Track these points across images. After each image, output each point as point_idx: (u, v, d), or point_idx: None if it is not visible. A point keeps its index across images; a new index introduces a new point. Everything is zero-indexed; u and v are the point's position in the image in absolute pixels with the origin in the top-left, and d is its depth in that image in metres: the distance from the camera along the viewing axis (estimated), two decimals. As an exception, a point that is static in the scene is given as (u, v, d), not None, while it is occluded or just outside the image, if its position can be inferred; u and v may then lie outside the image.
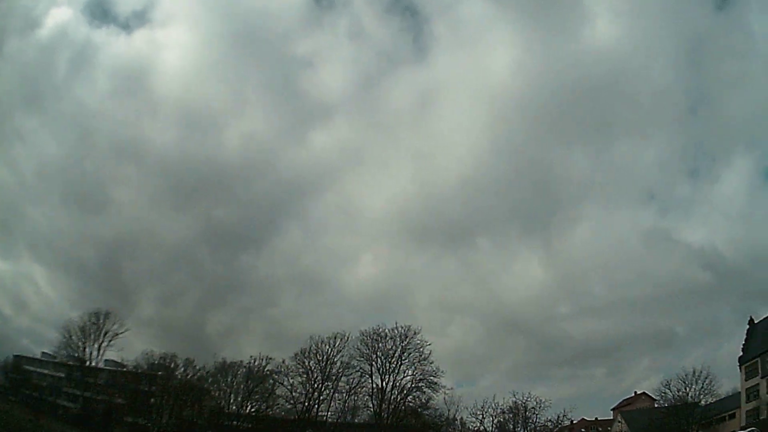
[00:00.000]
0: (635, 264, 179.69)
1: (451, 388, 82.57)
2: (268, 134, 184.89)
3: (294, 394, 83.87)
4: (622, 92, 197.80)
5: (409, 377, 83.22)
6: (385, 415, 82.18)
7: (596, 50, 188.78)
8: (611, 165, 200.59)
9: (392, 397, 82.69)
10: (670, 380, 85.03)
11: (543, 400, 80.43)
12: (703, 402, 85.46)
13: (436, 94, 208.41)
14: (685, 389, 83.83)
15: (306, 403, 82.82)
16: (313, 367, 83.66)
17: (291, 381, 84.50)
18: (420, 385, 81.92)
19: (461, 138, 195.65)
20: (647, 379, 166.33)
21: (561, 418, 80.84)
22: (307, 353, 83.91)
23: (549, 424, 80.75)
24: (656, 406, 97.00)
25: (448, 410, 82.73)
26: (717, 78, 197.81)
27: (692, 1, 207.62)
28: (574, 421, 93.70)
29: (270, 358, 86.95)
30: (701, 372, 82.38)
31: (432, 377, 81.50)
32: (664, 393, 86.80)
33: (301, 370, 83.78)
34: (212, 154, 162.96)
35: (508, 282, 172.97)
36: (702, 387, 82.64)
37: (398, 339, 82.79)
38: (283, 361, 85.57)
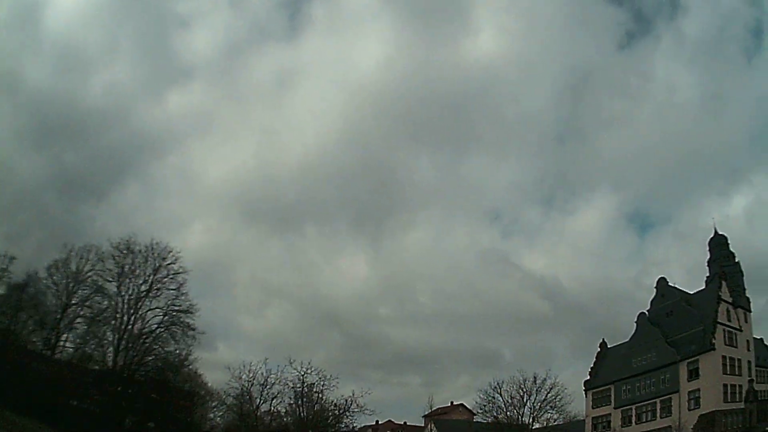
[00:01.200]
0: (468, 280, 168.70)
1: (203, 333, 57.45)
2: (131, 87, 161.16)
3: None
4: (489, 109, 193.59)
5: (159, 315, 56.23)
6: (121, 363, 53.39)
7: (473, 64, 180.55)
8: (460, 178, 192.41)
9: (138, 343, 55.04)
10: (501, 382, 65.23)
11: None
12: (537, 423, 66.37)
13: (298, 75, 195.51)
14: (521, 397, 63.44)
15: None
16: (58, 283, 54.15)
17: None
18: (172, 327, 55.49)
19: (312, 123, 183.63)
20: (465, 396, 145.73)
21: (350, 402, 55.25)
22: (58, 266, 54.69)
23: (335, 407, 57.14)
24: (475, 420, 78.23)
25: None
26: (596, 114, 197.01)
27: (595, 35, 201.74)
28: (380, 422, 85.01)
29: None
30: (545, 379, 63.32)
31: (184, 314, 55.97)
32: (486, 404, 66.34)
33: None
34: (76, 98, 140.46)
35: (332, 275, 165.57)
36: (546, 399, 63.24)
37: (152, 260, 56.87)
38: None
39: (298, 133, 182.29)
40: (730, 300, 69.52)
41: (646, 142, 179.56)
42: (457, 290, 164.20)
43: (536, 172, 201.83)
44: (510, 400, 64.53)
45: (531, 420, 64.06)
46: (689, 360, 66.00)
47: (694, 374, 65.05)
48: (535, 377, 63.11)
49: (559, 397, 62.91)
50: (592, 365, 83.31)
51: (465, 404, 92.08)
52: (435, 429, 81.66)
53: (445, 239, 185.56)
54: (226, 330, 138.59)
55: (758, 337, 79.40)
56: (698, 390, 63.84)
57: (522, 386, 63.89)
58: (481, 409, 67.25)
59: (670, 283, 75.92)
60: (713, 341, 63.90)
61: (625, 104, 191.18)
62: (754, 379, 66.04)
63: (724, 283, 69.75)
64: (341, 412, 56.21)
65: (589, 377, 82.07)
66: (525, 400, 63.89)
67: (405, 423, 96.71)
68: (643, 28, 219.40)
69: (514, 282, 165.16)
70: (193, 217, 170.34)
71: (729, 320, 68.02)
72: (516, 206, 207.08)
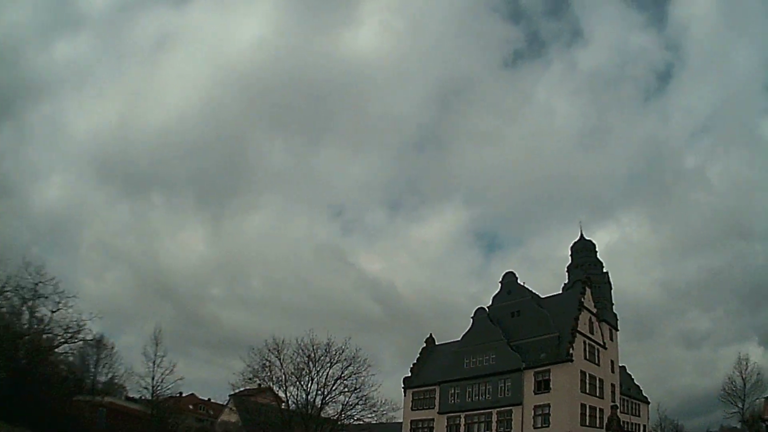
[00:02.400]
0: (302, 272, 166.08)
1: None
2: (26, 30, 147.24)
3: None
4: (353, 104, 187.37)
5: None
6: None
7: (347, 56, 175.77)
8: (311, 168, 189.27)
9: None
10: (282, 342, 52.77)
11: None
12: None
13: (177, 41, 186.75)
14: (309, 369, 52.06)
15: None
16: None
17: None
18: None
19: (177, 91, 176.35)
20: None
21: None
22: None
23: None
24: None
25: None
26: (464, 127, 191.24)
27: (480, 49, 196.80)
28: (183, 394, 78.93)
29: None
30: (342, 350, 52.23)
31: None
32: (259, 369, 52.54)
33: None
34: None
35: (172, 247, 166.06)
36: (342, 376, 51.82)
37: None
38: None
39: (163, 98, 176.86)
40: (594, 310, 63.34)
41: (511, 163, 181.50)
42: (291, 280, 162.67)
43: (389, 174, 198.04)
44: (294, 371, 52.20)
45: (321, 402, 52.13)
46: (538, 369, 58.23)
47: (543, 386, 57.40)
48: (328, 344, 51.82)
49: (360, 378, 51.96)
50: (415, 361, 73.00)
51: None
52: (234, 408, 69.99)
53: (285, 227, 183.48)
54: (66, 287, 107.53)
55: (621, 365, 77.46)
56: (548, 406, 56.32)
57: (310, 354, 51.97)
58: (252, 374, 52.38)
59: (519, 281, 67.68)
60: (571, 351, 56.48)
61: (496, 122, 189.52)
62: (618, 406, 60.68)
63: (588, 290, 63.20)
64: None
65: (410, 374, 71.53)
66: (313, 374, 51.94)
67: (209, 399, 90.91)
68: (535, 51, 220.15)
69: (348, 280, 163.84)
70: (54, 169, 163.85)
71: (591, 332, 61.73)
72: (361, 205, 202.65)
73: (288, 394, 52.72)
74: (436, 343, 75.46)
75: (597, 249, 73.81)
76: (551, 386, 56.72)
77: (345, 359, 51.67)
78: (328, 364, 51.85)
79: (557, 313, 60.64)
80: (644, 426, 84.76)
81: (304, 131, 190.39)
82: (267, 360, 51.98)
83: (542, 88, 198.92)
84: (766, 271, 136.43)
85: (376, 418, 53.78)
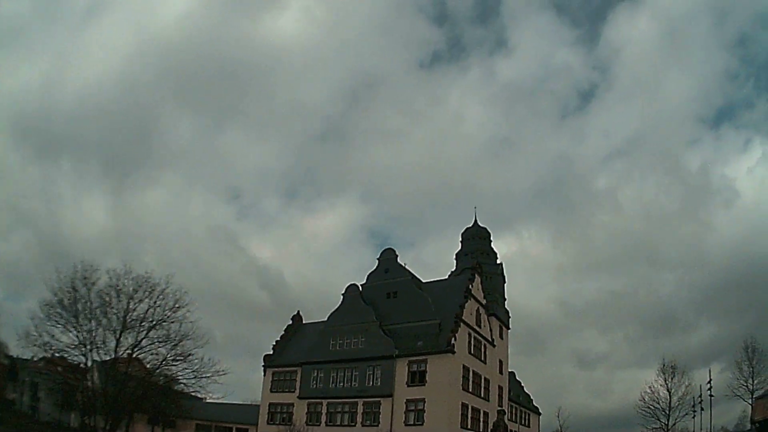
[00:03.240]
0: (193, 251, 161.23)
1: None
2: None
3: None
4: (264, 89, 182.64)
5: None
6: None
7: (266, 39, 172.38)
8: (214, 148, 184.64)
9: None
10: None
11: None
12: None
13: (108, 7, 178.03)
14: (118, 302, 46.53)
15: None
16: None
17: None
18: None
19: (99, 58, 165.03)
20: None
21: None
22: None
23: None
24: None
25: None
26: (371, 123, 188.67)
27: (399, 47, 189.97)
28: None
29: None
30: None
31: None
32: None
33: None
34: None
35: (74, 215, 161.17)
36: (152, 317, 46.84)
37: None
38: None
39: (86, 65, 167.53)
40: (483, 301, 56.94)
41: (413, 164, 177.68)
42: (182, 258, 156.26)
43: (288, 163, 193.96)
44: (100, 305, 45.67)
45: (134, 348, 46.28)
46: (413, 358, 51.34)
47: (418, 378, 50.65)
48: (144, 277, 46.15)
49: (173, 322, 46.40)
50: (278, 339, 64.02)
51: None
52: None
53: (182, 205, 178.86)
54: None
55: (511, 370, 74.10)
56: (423, 400, 49.66)
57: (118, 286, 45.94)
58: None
59: (400, 261, 59.80)
60: (453, 342, 49.89)
61: (403, 121, 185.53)
62: (506, 411, 54.91)
63: (478, 278, 56.61)
64: None
65: (272, 352, 62.58)
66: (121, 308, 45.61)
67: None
68: (454, 56, 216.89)
69: (238, 265, 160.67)
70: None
71: (479, 325, 55.47)
72: (258, 191, 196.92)
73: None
74: (304, 322, 66.87)
75: (492, 238, 68.30)
76: (427, 379, 50.12)
77: (158, 296, 45.77)
78: (138, 301, 45.76)
79: (440, 299, 54.15)
80: None
81: (213, 111, 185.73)
82: (74, 289, 45.22)
83: (456, 93, 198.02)
84: (673, 300, 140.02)
85: (199, 382, 48.34)
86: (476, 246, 65.85)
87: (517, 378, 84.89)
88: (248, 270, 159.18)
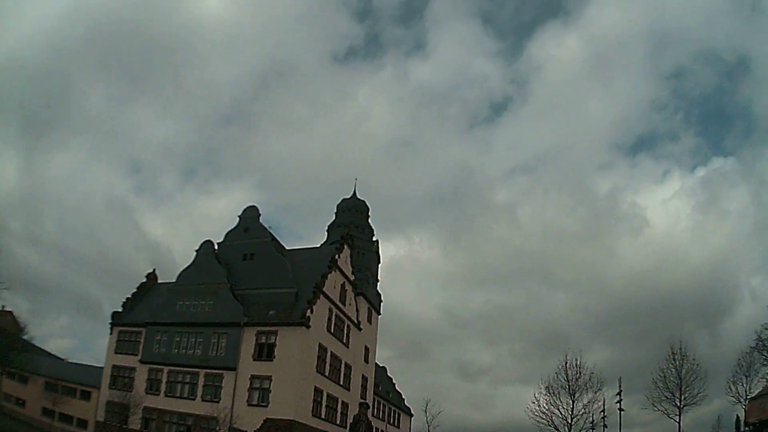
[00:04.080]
0: (90, 221, 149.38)
1: None
2: None
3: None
4: (180, 63, 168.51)
5: None
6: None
7: (192, 16, 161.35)
8: (120, 118, 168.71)
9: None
10: None
11: None
12: None
13: None
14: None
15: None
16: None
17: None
18: None
19: (31, 18, 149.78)
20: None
21: None
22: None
23: None
24: None
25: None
26: (277, 110, 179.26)
27: (315, 37, 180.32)
28: None
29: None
30: None
31: None
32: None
33: None
34: None
35: None
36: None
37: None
38: None
39: (18, 23, 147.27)
40: (351, 277, 51.12)
41: (312, 157, 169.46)
42: (78, 226, 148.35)
43: (190, 141, 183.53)
44: None
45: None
46: (263, 329, 45.37)
47: (266, 352, 44.81)
48: None
49: None
50: (129, 296, 56.56)
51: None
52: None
53: (85, 172, 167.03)
54: None
55: (383, 365, 70.81)
56: (269, 378, 43.69)
57: None
58: None
59: (263, 222, 53.33)
60: (309, 315, 44.07)
61: (308, 113, 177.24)
62: (370, 406, 49.58)
63: (348, 250, 50.69)
64: None
65: (121, 310, 55.20)
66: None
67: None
68: (370, 53, 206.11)
69: (131, 240, 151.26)
70: None
71: (343, 302, 49.71)
72: (158, 167, 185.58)
73: None
74: (158, 281, 59.58)
75: (370, 214, 62.91)
76: (276, 353, 44.33)
77: None
78: None
79: (302, 268, 48.42)
80: None
81: (127, 82, 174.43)
82: None
83: (365, 90, 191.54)
84: (564, 320, 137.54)
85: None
86: (351, 219, 60.29)
87: (389, 374, 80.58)
88: (140, 245, 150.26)
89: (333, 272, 47.13)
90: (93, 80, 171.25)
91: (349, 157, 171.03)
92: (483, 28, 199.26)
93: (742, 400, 50.90)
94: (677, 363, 49.53)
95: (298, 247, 54.40)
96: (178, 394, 47.35)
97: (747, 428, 48.23)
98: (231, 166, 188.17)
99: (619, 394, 49.97)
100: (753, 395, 48.99)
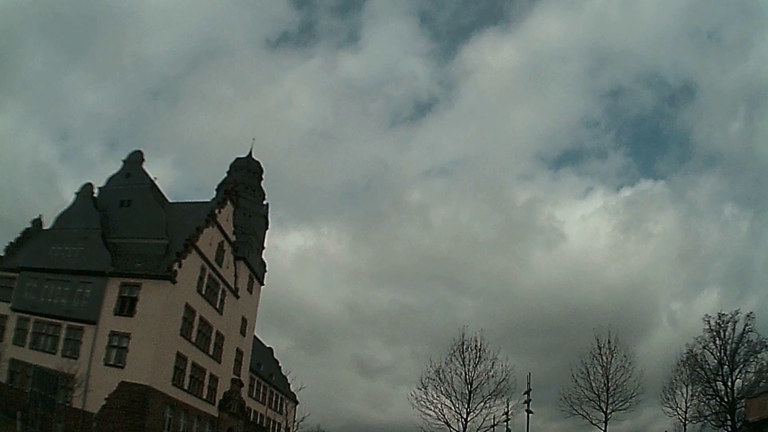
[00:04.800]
0: (17, 185, 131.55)
1: None
2: None
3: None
4: (119, 34, 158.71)
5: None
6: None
7: None
8: (58, 87, 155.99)
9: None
10: None
11: None
12: None
13: None
14: None
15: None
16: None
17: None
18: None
19: None
20: None
21: None
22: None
23: None
24: None
25: None
26: (195, 86, 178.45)
27: (256, 22, 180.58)
28: None
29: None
30: None
31: None
32: None
33: None
34: None
35: None
36: None
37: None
38: None
39: None
40: (231, 238, 47.38)
41: (228, 138, 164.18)
42: (7, 190, 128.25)
43: (118, 113, 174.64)
44: None
45: None
46: (127, 280, 41.67)
47: (128, 306, 40.96)
48: None
49: None
50: (13, 240, 52.55)
51: None
52: None
53: (18, 136, 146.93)
54: None
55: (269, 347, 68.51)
56: (128, 337, 39.90)
57: None
58: None
59: (147, 169, 49.53)
60: (176, 269, 40.24)
61: (232, 94, 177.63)
62: (245, 384, 46.27)
63: (231, 207, 47.00)
64: None
65: (4, 253, 51.21)
66: None
67: None
68: (302, 41, 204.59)
69: (51, 207, 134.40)
70: None
71: (220, 263, 45.87)
72: (85, 136, 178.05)
73: None
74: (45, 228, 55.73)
75: (264, 177, 59.55)
76: (137, 309, 40.43)
77: None
78: None
79: (180, 221, 44.62)
80: (287, 428, 72.63)
81: (65, 48, 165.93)
82: None
83: (292, 77, 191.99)
84: (470, 326, 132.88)
85: None
86: (243, 177, 56.56)
87: (276, 356, 76.98)
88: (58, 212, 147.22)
89: (211, 228, 43.35)
90: (34, 44, 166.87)
91: (267, 143, 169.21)
92: (419, 27, 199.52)
93: (680, 412, 48.72)
94: (604, 359, 43.49)
95: (183, 201, 50.45)
96: (41, 347, 43.25)
97: (748, 427, 44.72)
98: (153, 141, 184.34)
99: (527, 392, 41.73)
100: (752, 394, 45.49)
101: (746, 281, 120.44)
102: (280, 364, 77.04)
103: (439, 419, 42.01)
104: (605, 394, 42.61)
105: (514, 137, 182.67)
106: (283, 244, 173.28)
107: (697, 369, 49.32)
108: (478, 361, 42.82)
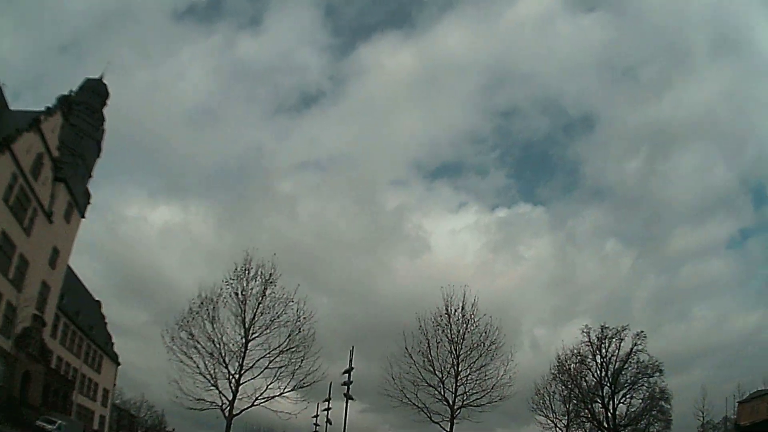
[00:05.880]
0: None
1: None
2: None
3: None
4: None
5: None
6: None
7: None
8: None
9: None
10: None
11: None
12: None
13: None
14: None
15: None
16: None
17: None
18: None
19: None
20: None
21: None
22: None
23: None
24: None
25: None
26: (90, 53, 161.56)
27: None
28: None
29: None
30: None
31: None
32: None
33: None
34: None
35: None
36: None
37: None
38: None
39: None
40: (54, 153, 44.66)
41: (121, 108, 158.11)
42: None
43: (25, 64, 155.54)
44: None
45: None
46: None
47: None
48: None
49: None
50: None
51: None
52: None
53: None
54: None
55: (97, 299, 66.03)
56: None
57: None
58: None
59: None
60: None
61: (132, 61, 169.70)
62: (47, 324, 44.89)
63: (61, 120, 44.61)
64: None
65: None
66: None
67: None
68: (206, 16, 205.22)
69: None
70: None
71: (35, 177, 42.59)
72: None
73: None
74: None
75: (108, 103, 57.77)
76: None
77: None
78: None
79: (10, 126, 41.11)
80: (105, 389, 69.53)
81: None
82: None
83: (189, 51, 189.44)
84: (321, 323, 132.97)
85: None
86: (86, 98, 54.62)
87: (103, 311, 73.17)
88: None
89: (31, 133, 40.85)
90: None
91: (153, 116, 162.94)
92: (323, 19, 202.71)
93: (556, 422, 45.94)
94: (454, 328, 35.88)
95: (27, 109, 45.89)
96: None
97: (739, 431, 44.52)
98: (50, 96, 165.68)
99: (348, 372, 39.34)
100: (743, 398, 45.74)
101: (622, 318, 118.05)
102: (106, 321, 73.09)
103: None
104: (451, 380, 35.53)
105: (395, 142, 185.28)
106: (151, 216, 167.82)
107: (570, 386, 45.62)
108: (262, 298, 36.39)
